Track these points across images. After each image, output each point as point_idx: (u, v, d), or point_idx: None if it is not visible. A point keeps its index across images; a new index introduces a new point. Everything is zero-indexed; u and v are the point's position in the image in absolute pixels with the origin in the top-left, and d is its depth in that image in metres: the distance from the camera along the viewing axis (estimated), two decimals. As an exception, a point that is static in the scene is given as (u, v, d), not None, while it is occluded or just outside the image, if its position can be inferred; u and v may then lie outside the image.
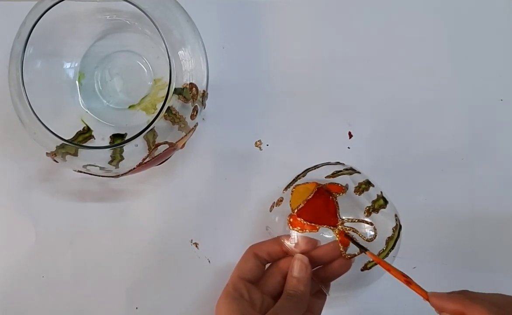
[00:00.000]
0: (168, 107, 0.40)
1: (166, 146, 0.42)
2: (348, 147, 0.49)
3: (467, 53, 0.49)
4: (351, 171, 0.43)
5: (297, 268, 0.39)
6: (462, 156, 0.49)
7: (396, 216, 0.42)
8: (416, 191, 0.49)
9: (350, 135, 0.49)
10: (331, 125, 0.49)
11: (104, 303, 0.49)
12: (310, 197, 0.41)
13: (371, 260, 0.40)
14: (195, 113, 0.42)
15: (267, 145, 0.49)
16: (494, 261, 0.48)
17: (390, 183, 0.48)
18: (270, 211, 0.44)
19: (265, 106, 0.49)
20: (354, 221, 0.40)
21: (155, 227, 0.49)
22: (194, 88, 0.41)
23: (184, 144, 0.44)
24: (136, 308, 0.49)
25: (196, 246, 0.49)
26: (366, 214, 0.41)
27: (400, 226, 0.42)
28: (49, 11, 0.38)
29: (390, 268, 0.38)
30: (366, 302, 0.49)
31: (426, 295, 0.36)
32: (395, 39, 0.49)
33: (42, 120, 0.39)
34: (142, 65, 0.48)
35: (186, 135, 0.43)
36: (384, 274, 0.41)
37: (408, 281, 0.37)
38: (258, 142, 0.49)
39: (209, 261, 0.49)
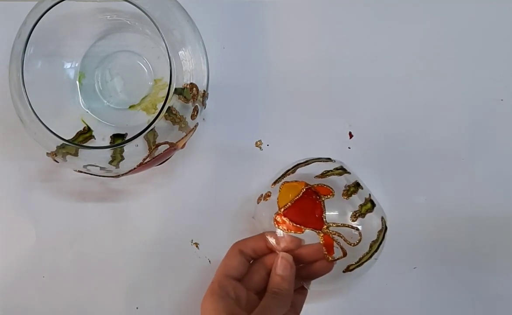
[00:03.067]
0: (169, 107, 0.40)
1: (167, 146, 0.42)
2: (349, 147, 0.49)
3: (467, 53, 0.49)
4: (341, 170, 0.43)
5: (281, 266, 0.39)
6: (462, 156, 0.49)
7: (382, 218, 0.42)
8: (416, 191, 0.49)
9: (350, 135, 0.49)
10: (331, 125, 0.49)
11: (104, 303, 0.49)
12: (297, 197, 0.41)
13: (354, 263, 0.40)
14: (195, 113, 0.42)
15: (268, 145, 0.49)
16: (494, 261, 0.48)
17: (390, 183, 0.48)
18: (258, 203, 0.44)
19: (265, 106, 0.49)
20: (340, 226, 0.40)
21: (155, 227, 0.49)
22: (194, 88, 0.41)
23: (184, 145, 0.44)
24: (137, 308, 0.49)
25: (197, 246, 0.49)
26: (352, 218, 0.40)
27: (386, 228, 0.42)
28: (49, 11, 0.38)
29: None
30: (349, 297, 0.49)
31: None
32: (395, 39, 0.49)
33: (42, 120, 0.39)
34: (142, 65, 0.48)
35: (186, 135, 0.43)
36: (367, 272, 0.42)
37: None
38: (258, 142, 0.49)
39: (209, 261, 0.49)
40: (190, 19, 0.42)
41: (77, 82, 0.48)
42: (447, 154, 0.49)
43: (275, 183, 0.43)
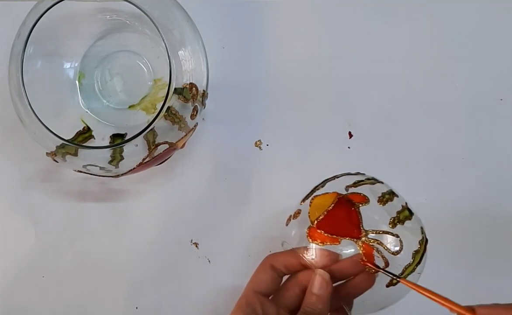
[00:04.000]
0: (168, 107, 0.40)
1: (166, 146, 0.42)
2: (348, 147, 0.49)
3: (467, 53, 0.49)
4: (373, 180, 0.40)
5: (318, 284, 0.36)
6: (462, 156, 0.49)
7: (422, 228, 0.39)
8: (416, 191, 0.49)
9: (350, 135, 0.49)
10: (331, 125, 0.49)
11: (104, 303, 0.49)
12: (330, 207, 0.38)
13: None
14: (195, 113, 0.42)
15: (267, 145, 0.49)
16: (494, 261, 0.48)
17: (390, 183, 0.48)
18: (287, 224, 0.41)
19: (265, 106, 0.49)
20: (379, 233, 0.37)
21: (155, 227, 0.49)
22: (194, 88, 0.41)
23: (184, 144, 0.44)
24: (136, 308, 0.49)
25: (196, 246, 0.49)
26: (391, 225, 0.37)
27: (427, 240, 0.39)
28: (49, 11, 0.38)
29: (434, 296, 0.35)
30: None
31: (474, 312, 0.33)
32: (395, 39, 0.49)
33: (42, 120, 0.39)
34: (142, 65, 0.48)
35: (186, 135, 0.43)
36: (411, 292, 0.39)
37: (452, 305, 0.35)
38: (258, 142, 0.49)
39: (209, 261, 0.49)
40: (190, 19, 0.42)
41: (77, 82, 0.48)
42: (447, 154, 0.49)
43: (304, 199, 0.41)
